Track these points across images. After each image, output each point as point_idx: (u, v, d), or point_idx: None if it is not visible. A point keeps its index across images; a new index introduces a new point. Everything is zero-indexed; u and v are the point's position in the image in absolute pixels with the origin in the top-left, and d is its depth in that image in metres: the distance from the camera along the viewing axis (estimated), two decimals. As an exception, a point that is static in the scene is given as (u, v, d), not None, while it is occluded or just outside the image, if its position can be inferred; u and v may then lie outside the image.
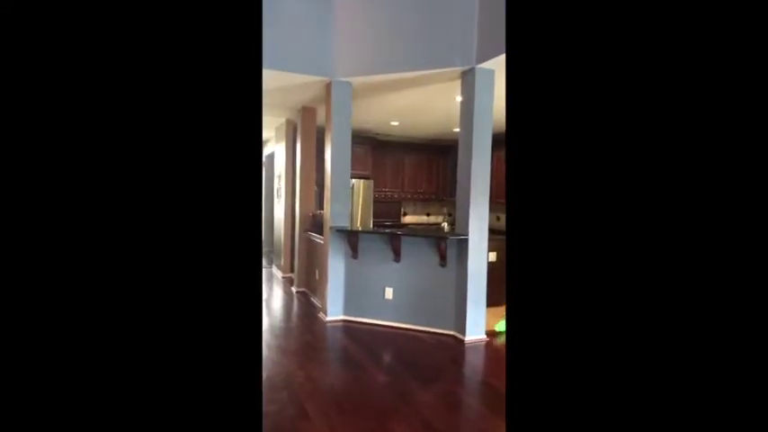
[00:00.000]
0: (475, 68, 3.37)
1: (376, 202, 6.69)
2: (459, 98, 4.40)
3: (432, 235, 3.58)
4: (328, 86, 3.89)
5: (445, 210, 7.89)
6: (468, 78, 3.47)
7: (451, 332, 3.63)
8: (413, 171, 7.25)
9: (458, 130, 6.48)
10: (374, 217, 6.60)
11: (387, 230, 3.93)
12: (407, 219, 7.57)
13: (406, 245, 3.74)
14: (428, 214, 7.77)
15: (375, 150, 6.78)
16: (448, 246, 3.57)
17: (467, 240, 3.46)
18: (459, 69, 3.45)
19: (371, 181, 6.47)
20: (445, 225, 5.59)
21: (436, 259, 3.65)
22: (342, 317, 4.01)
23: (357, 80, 3.82)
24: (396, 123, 5.96)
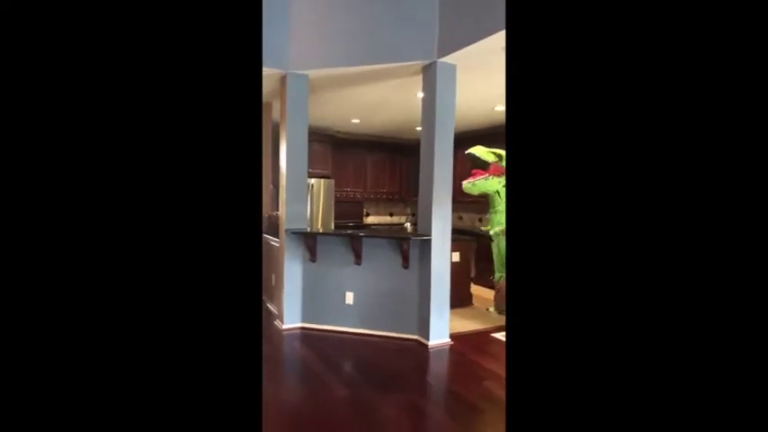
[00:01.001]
0: (436, 63, 3.24)
1: (337, 202, 6.48)
2: (420, 94, 4.27)
3: (394, 236, 3.42)
4: (283, 79, 3.66)
5: (408, 210, 7.78)
6: (429, 73, 3.34)
7: (415, 337, 3.49)
8: (375, 170, 7.09)
9: (420, 128, 6.40)
10: (336, 218, 6.38)
11: (347, 232, 3.74)
12: (370, 219, 7.40)
13: (368, 247, 3.57)
14: (391, 214, 7.64)
15: (336, 149, 6.58)
16: (410, 247, 3.43)
17: (430, 241, 3.33)
18: (419, 64, 3.32)
19: (332, 180, 6.25)
20: (408, 225, 5.47)
21: (399, 261, 3.50)
22: (300, 324, 3.79)
23: (314, 73, 3.62)
24: (357, 121, 5.78)
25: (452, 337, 3.50)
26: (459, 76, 3.37)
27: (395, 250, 3.51)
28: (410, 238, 3.38)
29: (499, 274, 4.35)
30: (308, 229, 3.78)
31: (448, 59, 3.21)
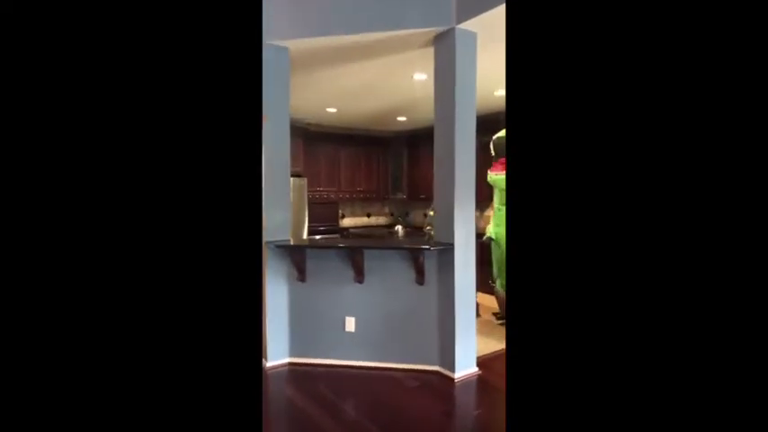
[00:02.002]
0: (455, 30, 2.61)
1: (310, 203, 5.73)
2: (417, 76, 3.65)
3: (405, 246, 2.77)
4: (256, 53, 2.89)
5: (386, 209, 7.14)
6: (444, 43, 2.70)
7: (435, 368, 2.87)
8: (350, 167, 6.37)
9: (402, 119, 5.76)
10: (308, 221, 5.63)
11: (343, 244, 3.05)
12: (346, 221, 6.69)
13: (371, 259, 2.90)
14: (368, 215, 6.97)
15: (307, 143, 5.80)
16: (425, 258, 2.80)
17: (451, 250, 2.71)
18: (431, 31, 2.68)
19: (305, 179, 5.49)
20: (399, 229, 4.83)
21: (411, 276, 2.86)
22: (287, 359, 3.05)
23: (296, 45, 2.88)
24: (332, 110, 5.06)
25: (478, 363, 2.91)
26: (481, 46, 2.76)
27: (405, 262, 2.86)
28: (428, 248, 2.74)
29: (500, 281, 3.79)
30: (292, 241, 3.03)
31: (467, 26, 2.60)
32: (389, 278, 2.89)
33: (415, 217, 6.87)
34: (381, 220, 7.08)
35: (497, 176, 3.55)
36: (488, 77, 3.77)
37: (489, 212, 4.08)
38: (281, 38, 2.80)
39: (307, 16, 2.76)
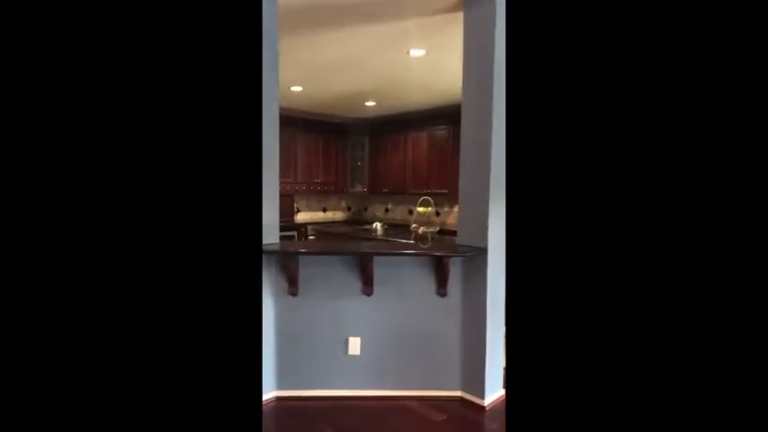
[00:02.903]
0: (494, -10, 2.17)
1: (264, 197, 5.01)
2: (415, 52, 3.18)
3: (433, 252, 2.29)
4: (237, 1, 2.22)
5: (344, 203, 6.58)
6: (478, 7, 2.25)
7: (457, 393, 2.44)
8: (307, 156, 5.72)
9: (371, 104, 5.24)
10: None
11: (351, 249, 2.50)
12: (301, 216, 6.03)
13: (381, 266, 2.39)
14: (324, 209, 6.36)
15: (260, 128, 5.06)
16: (451, 264, 2.35)
17: (481, 256, 2.29)
18: (463, -8, 2.21)
19: (260, 169, 4.77)
20: (377, 226, 4.31)
21: (431, 286, 2.40)
22: (274, 393, 2.44)
23: (288, -4, 2.26)
24: (298, 89, 4.40)
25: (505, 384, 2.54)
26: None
27: (424, 270, 2.39)
28: (461, 255, 2.28)
29: None
30: (279, 246, 2.40)
31: (505, -11, 2.18)
32: (404, 289, 2.40)
33: (375, 212, 6.40)
34: (338, 216, 6.52)
35: None
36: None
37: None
38: (273, -17, 2.16)
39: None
